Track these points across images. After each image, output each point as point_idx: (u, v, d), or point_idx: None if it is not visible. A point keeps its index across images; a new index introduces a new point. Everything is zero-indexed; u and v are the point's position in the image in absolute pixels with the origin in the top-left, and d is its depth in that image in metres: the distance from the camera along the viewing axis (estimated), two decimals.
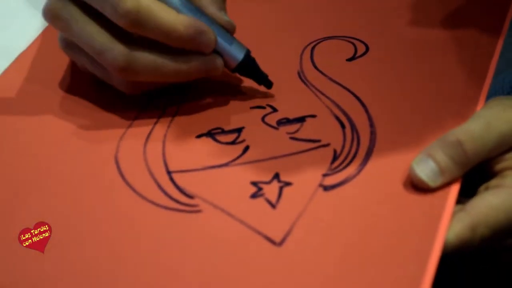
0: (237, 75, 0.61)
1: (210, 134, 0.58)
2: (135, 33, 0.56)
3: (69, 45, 0.59)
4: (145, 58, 0.56)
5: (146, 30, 0.55)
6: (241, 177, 0.55)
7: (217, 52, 0.58)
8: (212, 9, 0.58)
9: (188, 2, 0.58)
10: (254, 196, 0.54)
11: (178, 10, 0.57)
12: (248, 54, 0.59)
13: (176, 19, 0.56)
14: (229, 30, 0.59)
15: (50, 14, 0.57)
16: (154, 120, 0.59)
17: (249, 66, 0.59)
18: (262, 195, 0.54)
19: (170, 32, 0.56)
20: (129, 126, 0.58)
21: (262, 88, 0.61)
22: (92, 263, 0.50)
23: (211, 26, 0.57)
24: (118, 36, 0.56)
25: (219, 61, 0.58)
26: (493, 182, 0.53)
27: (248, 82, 0.61)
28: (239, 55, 0.59)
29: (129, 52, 0.56)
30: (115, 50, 0.56)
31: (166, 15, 0.56)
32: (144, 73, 0.56)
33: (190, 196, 0.54)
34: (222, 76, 0.60)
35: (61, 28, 0.58)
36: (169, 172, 0.55)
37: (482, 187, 0.54)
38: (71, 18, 0.57)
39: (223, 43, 0.58)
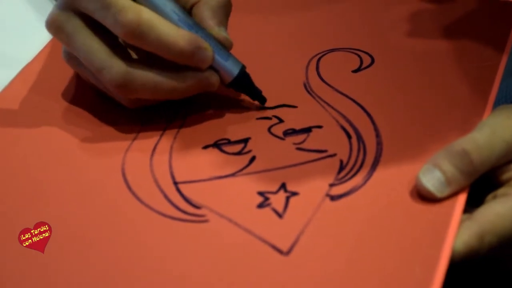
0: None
1: (217, 145, 0.58)
2: (134, 47, 0.56)
3: (72, 58, 0.59)
4: (143, 76, 0.56)
5: (146, 42, 0.56)
6: (248, 187, 0.55)
7: (212, 67, 0.58)
8: (211, 23, 0.58)
9: (186, 16, 0.58)
10: (261, 206, 0.54)
11: (175, 24, 0.57)
12: (243, 70, 0.59)
13: (176, 34, 0.56)
14: (225, 46, 0.59)
15: (53, 26, 0.57)
16: (161, 131, 0.59)
17: (243, 82, 0.60)
18: (269, 204, 0.54)
19: (170, 46, 0.56)
20: (136, 137, 0.59)
21: (256, 103, 0.61)
22: (95, 270, 0.50)
23: (208, 41, 0.57)
24: (117, 52, 0.56)
25: (215, 78, 0.58)
26: (501, 190, 0.53)
27: None
28: (234, 71, 0.59)
29: (127, 70, 0.56)
30: (114, 68, 0.56)
31: (166, 29, 0.56)
32: (141, 91, 0.57)
33: (197, 206, 0.54)
34: (221, 92, 0.61)
35: (63, 40, 0.58)
36: (175, 183, 0.55)
37: (489, 196, 0.54)
38: (74, 31, 0.57)
39: (219, 58, 0.58)
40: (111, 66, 0.56)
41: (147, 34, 0.55)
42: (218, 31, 0.58)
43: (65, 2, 0.57)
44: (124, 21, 0.55)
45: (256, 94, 0.60)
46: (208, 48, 0.57)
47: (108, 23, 0.56)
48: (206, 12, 0.58)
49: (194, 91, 0.58)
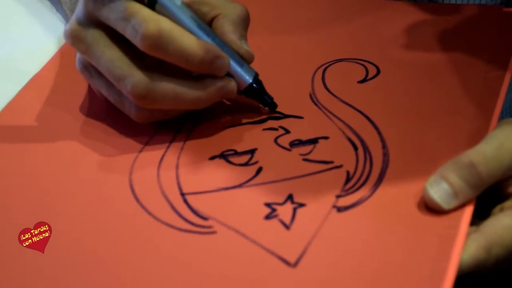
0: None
1: (223, 155, 0.58)
2: (155, 58, 0.56)
3: (86, 68, 0.59)
4: (165, 86, 0.57)
5: (166, 54, 0.56)
6: (255, 198, 0.55)
7: (228, 75, 0.59)
8: (233, 36, 0.59)
9: (203, 25, 0.58)
10: (268, 217, 0.54)
11: (193, 32, 0.57)
12: (256, 77, 0.60)
13: (196, 44, 0.56)
14: (246, 60, 0.59)
15: (72, 36, 0.57)
16: (168, 142, 0.59)
17: (256, 89, 0.60)
18: (276, 216, 0.54)
19: (190, 56, 0.56)
20: (143, 148, 0.59)
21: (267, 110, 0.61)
22: (100, 282, 0.51)
23: (223, 49, 0.58)
24: (137, 63, 0.57)
25: (233, 84, 0.59)
26: (508, 203, 0.53)
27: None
28: (248, 78, 0.59)
29: (148, 80, 0.56)
30: (135, 77, 0.56)
31: (186, 40, 0.56)
32: (163, 101, 0.57)
33: (204, 218, 0.54)
34: (234, 98, 0.61)
35: (82, 50, 0.58)
36: (183, 194, 0.55)
37: (496, 208, 0.54)
38: (93, 41, 0.57)
39: (234, 66, 0.59)
40: (133, 76, 0.56)
41: (167, 46, 0.55)
42: (240, 45, 0.59)
43: (86, 12, 0.57)
44: (145, 32, 0.55)
45: (268, 100, 0.61)
46: (225, 57, 0.57)
47: (128, 34, 0.56)
48: (227, 26, 0.59)
49: (215, 99, 0.58)
